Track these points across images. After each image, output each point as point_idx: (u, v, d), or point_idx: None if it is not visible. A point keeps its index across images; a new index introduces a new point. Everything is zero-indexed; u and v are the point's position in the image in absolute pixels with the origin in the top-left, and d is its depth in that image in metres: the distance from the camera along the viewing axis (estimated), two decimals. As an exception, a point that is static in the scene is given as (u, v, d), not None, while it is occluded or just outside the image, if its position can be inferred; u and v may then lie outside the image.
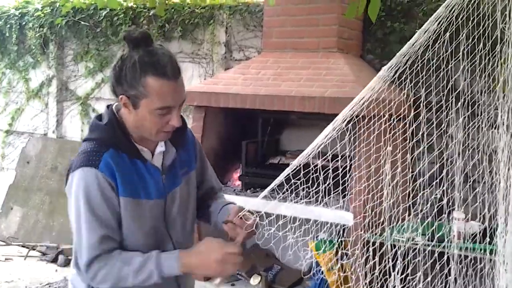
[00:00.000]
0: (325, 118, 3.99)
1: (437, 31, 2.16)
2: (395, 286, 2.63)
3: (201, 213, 2.14)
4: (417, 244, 2.96)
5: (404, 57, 2.10)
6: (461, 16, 2.18)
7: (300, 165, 2.06)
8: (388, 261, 2.63)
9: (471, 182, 2.86)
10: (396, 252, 2.75)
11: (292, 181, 2.22)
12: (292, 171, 2.04)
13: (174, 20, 5.47)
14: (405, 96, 2.74)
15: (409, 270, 2.67)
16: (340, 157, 2.46)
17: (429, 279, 2.57)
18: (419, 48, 2.12)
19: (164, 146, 1.95)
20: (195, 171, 2.08)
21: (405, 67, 2.14)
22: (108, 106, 1.93)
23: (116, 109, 1.90)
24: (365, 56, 4.51)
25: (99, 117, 1.93)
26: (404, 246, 2.95)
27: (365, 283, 3.06)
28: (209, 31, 5.31)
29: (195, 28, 5.42)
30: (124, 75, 1.76)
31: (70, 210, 1.85)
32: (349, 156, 2.54)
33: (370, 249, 2.80)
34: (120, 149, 1.84)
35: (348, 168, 2.54)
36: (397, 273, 2.59)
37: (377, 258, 2.67)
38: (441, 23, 2.09)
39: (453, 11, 2.09)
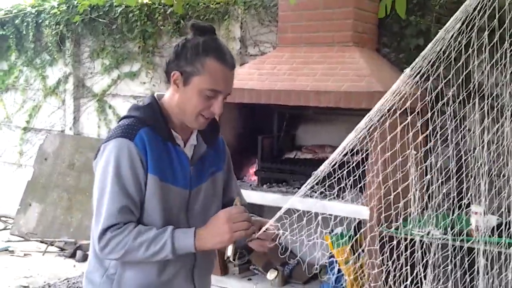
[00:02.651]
0: (341, 112, 4.02)
1: (461, 31, 2.12)
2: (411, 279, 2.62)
3: None
4: (438, 238, 2.93)
5: (427, 59, 2.07)
6: (482, 13, 2.13)
7: (334, 162, 2.08)
8: (403, 255, 2.62)
9: (491, 176, 2.83)
10: (412, 245, 2.74)
11: (333, 177, 2.28)
12: (328, 168, 2.07)
13: (189, 16, 5.47)
14: (419, 90, 2.72)
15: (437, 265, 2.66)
16: (357, 152, 2.45)
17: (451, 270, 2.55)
18: (441, 49, 2.08)
19: (196, 141, 1.98)
20: (222, 177, 2.10)
21: (427, 67, 2.11)
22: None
23: (158, 97, 1.95)
24: (382, 50, 4.48)
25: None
26: (421, 239, 2.94)
27: (381, 277, 3.05)
28: (224, 27, 5.31)
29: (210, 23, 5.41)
30: (185, 52, 1.84)
31: (96, 179, 1.85)
32: (366, 150, 2.53)
33: (386, 243, 2.79)
34: (155, 130, 1.87)
35: (364, 162, 2.53)
36: (421, 266, 2.58)
37: (396, 252, 2.66)
38: (465, 21, 2.05)
39: (476, 9, 2.05)
